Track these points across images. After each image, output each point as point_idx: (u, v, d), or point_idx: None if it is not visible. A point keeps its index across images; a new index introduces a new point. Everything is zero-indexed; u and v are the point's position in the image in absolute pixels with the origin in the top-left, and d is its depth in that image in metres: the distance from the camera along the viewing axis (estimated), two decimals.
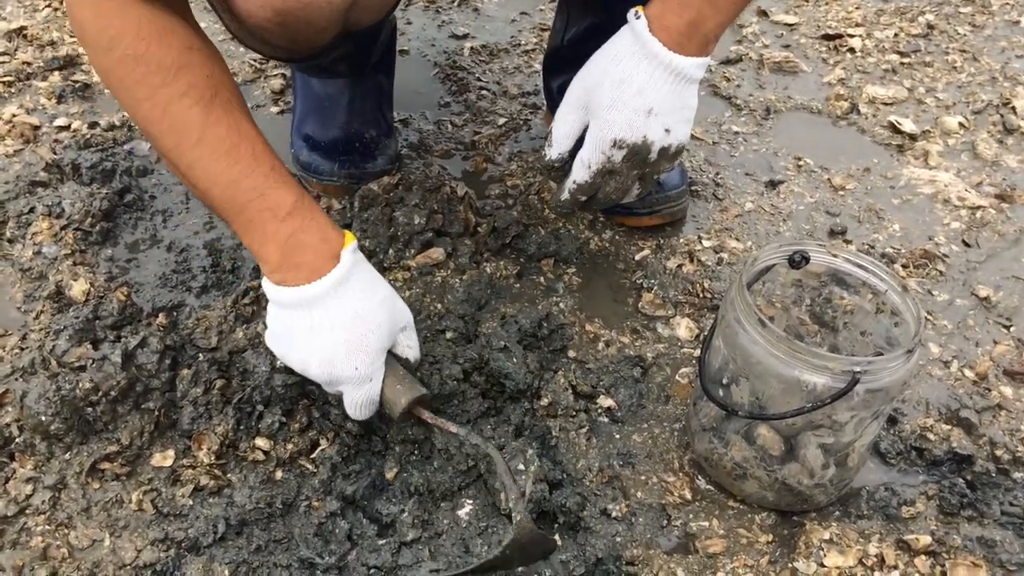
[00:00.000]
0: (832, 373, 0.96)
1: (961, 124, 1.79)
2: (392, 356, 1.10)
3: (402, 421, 1.10)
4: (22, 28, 1.89)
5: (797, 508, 1.11)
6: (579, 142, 1.21)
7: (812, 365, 0.96)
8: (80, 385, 1.10)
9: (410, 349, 1.13)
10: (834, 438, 1.03)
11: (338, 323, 1.04)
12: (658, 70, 1.12)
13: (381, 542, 1.08)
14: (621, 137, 1.15)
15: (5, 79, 1.75)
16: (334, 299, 1.04)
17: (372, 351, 1.05)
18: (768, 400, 1.03)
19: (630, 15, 1.13)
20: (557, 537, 1.08)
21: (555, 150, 1.23)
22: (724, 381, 1.08)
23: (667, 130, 1.15)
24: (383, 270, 1.38)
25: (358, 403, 1.07)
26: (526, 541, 1.00)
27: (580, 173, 1.20)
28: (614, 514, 1.11)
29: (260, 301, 1.32)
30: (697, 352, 1.31)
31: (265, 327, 1.10)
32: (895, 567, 1.04)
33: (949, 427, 1.20)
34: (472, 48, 1.96)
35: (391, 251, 1.39)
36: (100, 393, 1.11)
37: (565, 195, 1.24)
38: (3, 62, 1.80)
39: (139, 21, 1.00)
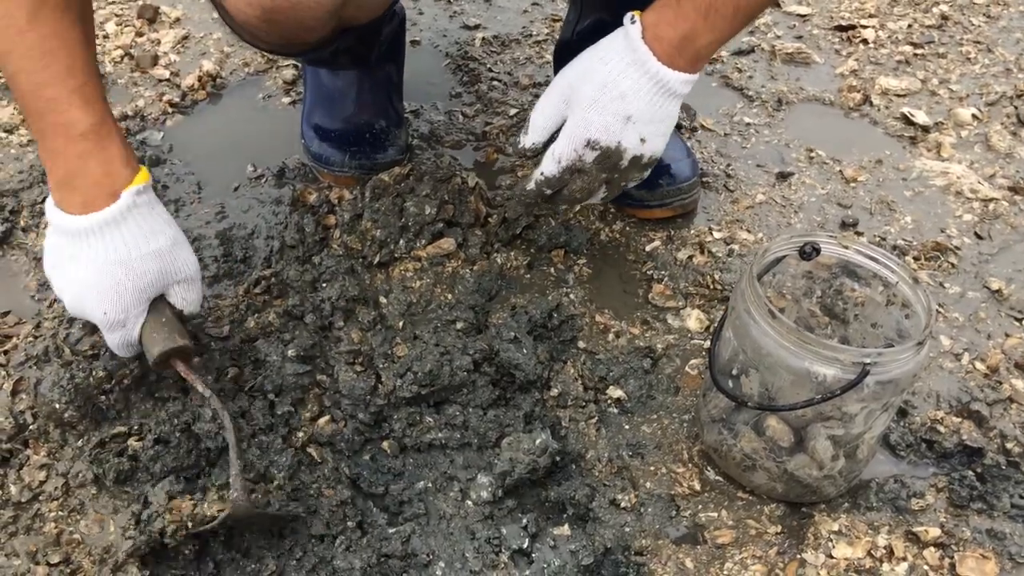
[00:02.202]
0: (842, 365, 0.96)
1: (974, 116, 1.78)
2: (164, 302, 1.09)
3: (157, 368, 1.09)
4: None
5: (806, 500, 1.11)
6: (555, 135, 1.21)
7: (822, 356, 0.96)
8: (93, 373, 1.11)
9: (186, 302, 1.11)
10: (844, 430, 1.03)
11: (95, 264, 1.03)
12: (644, 79, 1.12)
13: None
14: (596, 138, 1.15)
15: None
16: (99, 239, 1.03)
17: (125, 298, 1.04)
18: (778, 391, 1.03)
19: (626, 18, 1.13)
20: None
21: (530, 139, 1.23)
22: (734, 372, 1.08)
23: (643, 140, 1.15)
24: (394, 260, 1.38)
25: (113, 343, 1.08)
26: (242, 515, 1.02)
27: (549, 166, 1.20)
28: (623, 504, 1.12)
29: (272, 291, 1.32)
30: (707, 343, 1.31)
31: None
32: (904, 559, 1.04)
33: (960, 420, 1.20)
34: (483, 39, 1.96)
35: (402, 241, 1.40)
36: (113, 381, 1.12)
37: (531, 185, 1.24)
38: None
39: None
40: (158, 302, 1.08)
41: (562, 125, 1.19)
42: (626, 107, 1.13)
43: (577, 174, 1.19)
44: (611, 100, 1.13)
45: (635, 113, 1.13)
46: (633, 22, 1.11)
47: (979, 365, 1.29)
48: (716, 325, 1.17)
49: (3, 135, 1.60)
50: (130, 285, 1.04)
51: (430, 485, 1.15)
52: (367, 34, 1.47)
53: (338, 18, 1.21)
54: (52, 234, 1.06)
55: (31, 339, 1.22)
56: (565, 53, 1.63)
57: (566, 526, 1.12)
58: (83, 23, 1.05)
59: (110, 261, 1.03)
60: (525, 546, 1.10)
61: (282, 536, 1.07)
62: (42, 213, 1.42)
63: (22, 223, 1.42)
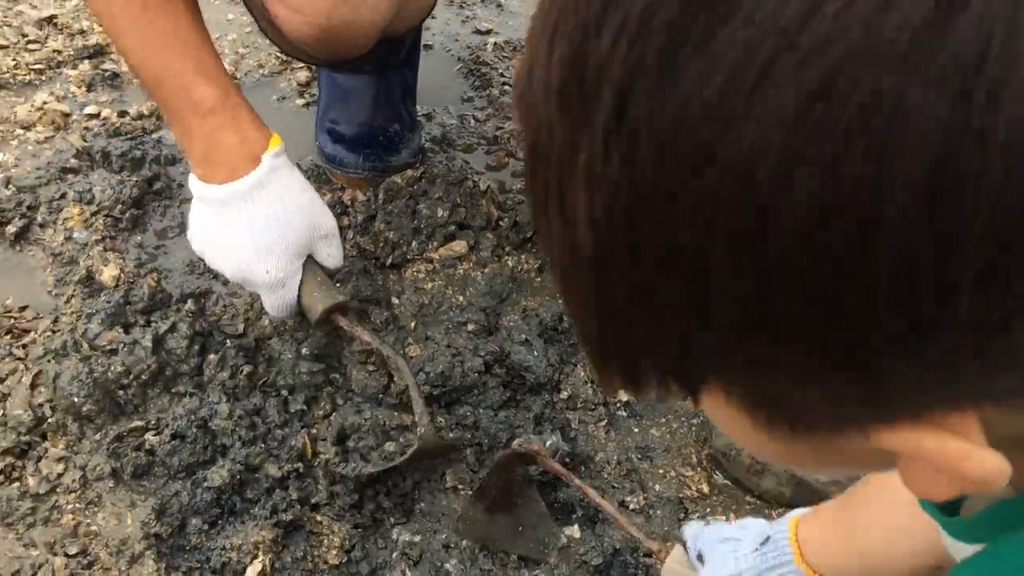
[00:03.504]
0: None
1: None
2: (313, 263, 1.12)
3: (320, 327, 1.13)
4: (52, 16, 1.92)
5: (814, 504, 1.13)
6: None
7: None
8: (112, 368, 1.13)
9: (331, 258, 1.15)
10: None
11: (250, 226, 1.06)
12: None
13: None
14: None
15: (36, 67, 1.77)
16: (249, 201, 1.06)
17: (284, 256, 1.07)
18: None
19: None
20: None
21: None
22: None
23: None
24: (406, 261, 1.40)
25: (274, 306, 1.11)
26: (430, 448, 1.09)
27: None
28: (632, 506, 1.13)
29: None
30: None
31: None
32: None
33: None
34: (495, 43, 1.97)
35: (414, 243, 1.41)
36: (131, 376, 1.14)
37: None
38: (33, 50, 1.82)
39: None
40: (307, 262, 1.11)
41: None
42: None
43: None
44: None
45: None
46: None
47: None
48: None
49: (20, 131, 1.62)
50: (284, 242, 1.07)
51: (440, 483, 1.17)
52: (396, 42, 1.49)
53: (384, 33, 1.24)
54: (199, 208, 1.09)
55: (49, 333, 1.24)
56: None
57: (575, 527, 1.13)
58: (192, 5, 1.08)
59: (263, 222, 1.06)
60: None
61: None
62: (59, 209, 1.44)
63: (39, 219, 1.44)
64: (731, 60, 0.31)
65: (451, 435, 1.16)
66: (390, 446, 1.14)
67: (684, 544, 0.93)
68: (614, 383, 0.42)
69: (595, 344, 0.42)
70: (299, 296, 1.10)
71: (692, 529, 0.93)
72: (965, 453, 0.36)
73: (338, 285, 1.18)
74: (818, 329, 0.34)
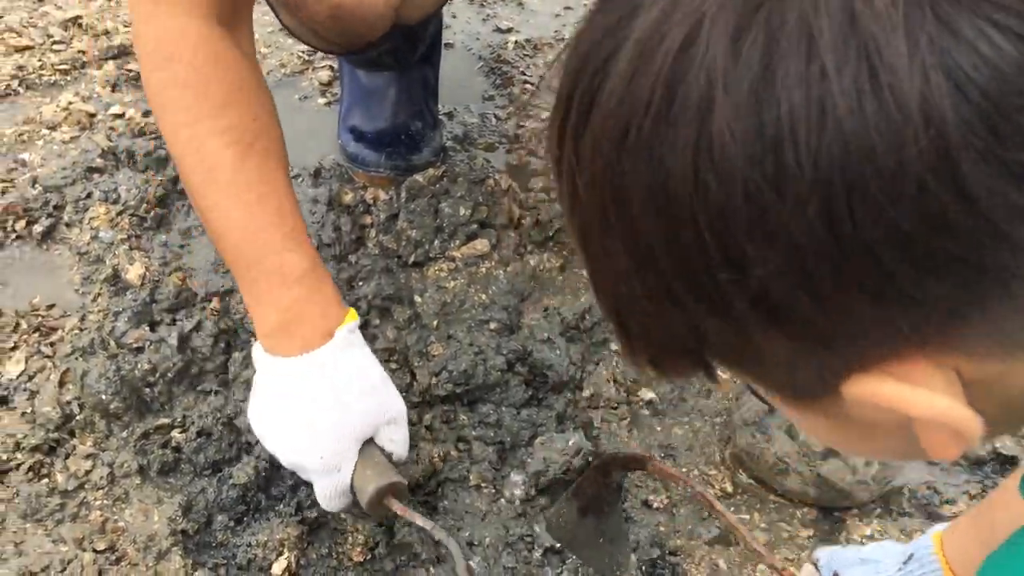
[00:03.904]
0: None
1: None
2: (374, 446, 1.00)
3: (372, 512, 0.99)
4: (77, 17, 1.93)
5: (839, 504, 1.12)
6: None
7: None
8: (139, 366, 1.14)
9: (394, 444, 1.01)
10: None
11: (312, 405, 0.95)
12: None
13: None
14: None
15: (61, 67, 1.79)
16: (315, 378, 0.96)
17: (343, 440, 0.96)
18: None
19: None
20: None
21: None
22: None
23: None
24: (429, 260, 1.40)
25: (325, 493, 0.97)
26: None
27: None
28: (655, 505, 1.13)
29: None
30: None
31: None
32: None
33: None
34: (516, 42, 1.97)
35: (436, 241, 1.42)
36: (158, 374, 1.15)
37: None
38: (59, 50, 1.84)
39: (197, 45, 0.98)
40: (366, 445, 0.99)
41: None
42: None
43: None
44: None
45: None
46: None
47: None
48: None
49: (46, 131, 1.63)
50: (347, 427, 0.96)
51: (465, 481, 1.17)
52: (412, 34, 1.50)
53: (396, 16, 1.23)
54: (263, 380, 0.99)
55: (77, 331, 1.25)
56: None
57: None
58: (285, 163, 1.03)
59: (325, 400, 0.95)
60: (559, 545, 1.11)
61: None
62: (85, 208, 1.45)
63: (66, 218, 1.45)
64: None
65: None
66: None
67: (816, 564, 0.91)
68: (640, 363, 0.48)
69: (620, 330, 0.48)
70: (352, 480, 0.97)
71: (825, 551, 0.93)
72: (923, 400, 0.40)
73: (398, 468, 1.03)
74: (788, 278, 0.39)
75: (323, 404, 0.95)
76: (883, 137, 0.35)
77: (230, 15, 1.06)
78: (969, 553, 0.82)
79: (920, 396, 0.41)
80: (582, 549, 1.08)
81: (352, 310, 1.02)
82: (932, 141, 0.34)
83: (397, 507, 0.99)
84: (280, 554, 1.05)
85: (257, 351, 0.99)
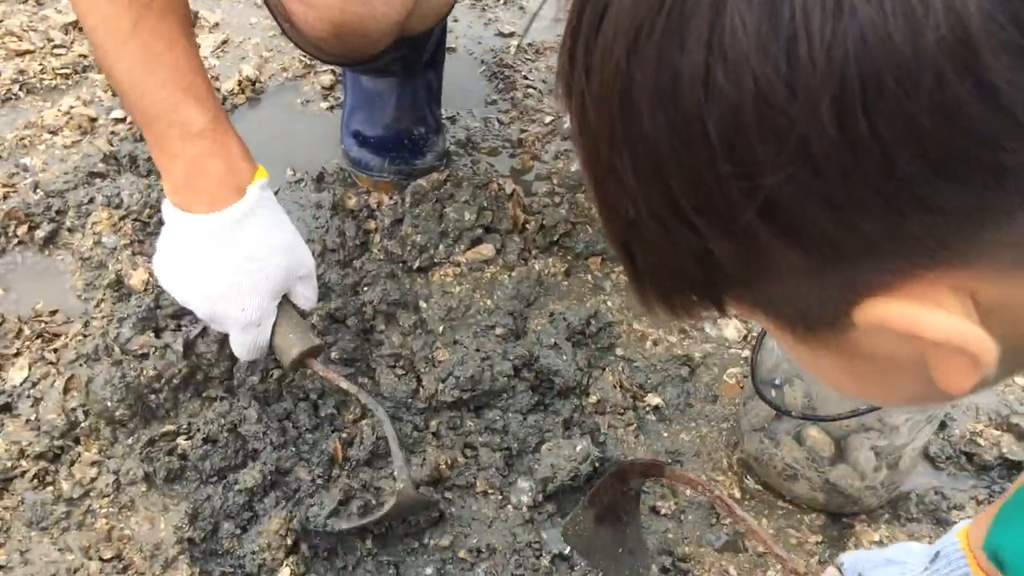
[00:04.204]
0: None
1: None
2: (287, 303, 1.06)
3: (292, 369, 1.07)
4: (77, 21, 1.93)
5: (847, 510, 1.12)
6: None
7: None
8: (144, 372, 1.13)
9: (305, 299, 1.09)
10: (887, 441, 1.04)
11: (230, 261, 1.00)
12: None
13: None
14: None
15: (62, 71, 1.78)
16: (230, 235, 1.00)
17: (263, 294, 1.02)
18: (822, 401, 1.04)
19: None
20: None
21: None
22: (777, 382, 1.09)
23: None
24: (434, 265, 1.40)
25: (245, 347, 1.04)
26: (408, 504, 1.04)
27: None
28: (663, 511, 1.13)
29: None
30: (745, 352, 1.32)
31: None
32: None
33: (999, 432, 1.20)
34: (518, 46, 1.97)
35: (441, 246, 1.41)
36: (163, 381, 1.14)
37: (575, 167, 1.26)
38: (60, 54, 1.83)
39: None
40: (282, 301, 1.05)
41: None
42: None
43: None
44: None
45: None
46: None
47: (1019, 379, 1.30)
48: (754, 335, 1.18)
49: (48, 136, 1.62)
50: (265, 281, 1.01)
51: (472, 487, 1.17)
52: (419, 42, 1.49)
53: (400, 30, 1.23)
54: (173, 237, 1.03)
55: (80, 338, 1.24)
56: None
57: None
58: (185, 21, 1.04)
59: (244, 257, 1.00)
60: (566, 551, 1.11)
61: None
62: (87, 214, 1.44)
63: (68, 223, 1.44)
64: None
65: (428, 494, 1.11)
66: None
67: (840, 568, 0.90)
68: (650, 301, 0.47)
69: (629, 263, 0.46)
70: (271, 337, 1.04)
71: (849, 555, 0.92)
72: (938, 321, 0.39)
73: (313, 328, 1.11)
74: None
75: (242, 261, 1.00)
76: (901, 25, 0.33)
77: None
78: None
79: (935, 317, 0.39)
80: (600, 558, 1.07)
81: (261, 167, 1.05)
82: (952, 29, 0.33)
83: (318, 368, 1.05)
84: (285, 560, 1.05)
85: (166, 206, 1.02)
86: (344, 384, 1.05)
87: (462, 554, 1.10)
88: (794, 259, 0.39)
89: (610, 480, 1.01)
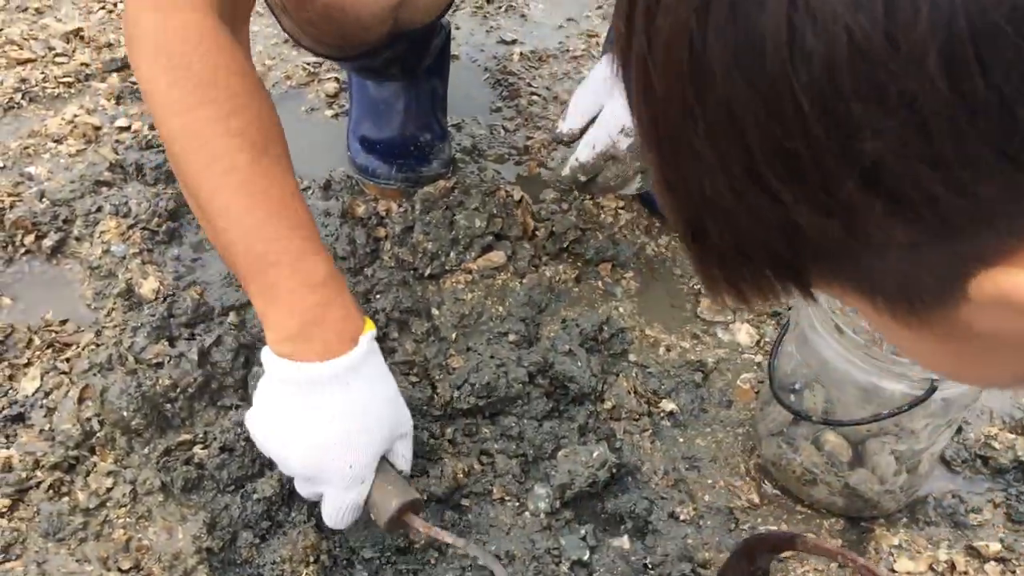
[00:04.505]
0: (911, 380, 0.97)
1: None
2: (385, 462, 0.99)
3: (390, 530, 0.97)
4: (79, 30, 1.92)
5: (865, 514, 1.12)
6: (592, 122, 1.23)
7: (891, 372, 0.98)
8: (159, 381, 1.12)
9: (404, 460, 1.01)
10: (907, 445, 1.05)
11: (341, 412, 0.93)
12: None
13: None
14: (630, 125, 1.16)
15: (64, 80, 1.77)
16: (342, 385, 0.93)
17: (371, 450, 0.94)
18: (841, 406, 1.04)
19: None
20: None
21: (567, 124, 1.25)
22: (796, 386, 1.09)
23: None
24: (445, 272, 1.40)
25: (342, 508, 0.95)
26: None
27: (584, 152, 1.22)
28: (682, 517, 1.13)
29: None
30: (758, 358, 1.32)
31: (250, 404, 0.99)
32: (966, 573, 1.05)
33: (1014, 436, 1.21)
34: (521, 53, 1.97)
35: (452, 253, 1.41)
36: (178, 390, 1.13)
37: (566, 171, 1.27)
38: (61, 63, 1.82)
39: (202, 38, 0.94)
40: (380, 461, 0.97)
41: (599, 112, 1.21)
42: None
43: (611, 161, 1.21)
44: None
45: None
46: None
47: None
48: (774, 340, 1.18)
49: (52, 145, 1.61)
50: (375, 436, 0.94)
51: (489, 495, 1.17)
52: (417, 43, 1.49)
53: (394, 19, 1.23)
54: (277, 388, 0.95)
55: (93, 347, 1.23)
56: (597, 66, 1.65)
57: (625, 538, 1.12)
58: (292, 169, 1.00)
59: (354, 408, 0.93)
60: (585, 558, 1.10)
61: None
62: (95, 222, 1.43)
63: (75, 232, 1.43)
64: None
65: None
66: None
67: None
68: (718, 288, 0.44)
69: (695, 244, 0.43)
70: (368, 495, 0.96)
71: None
72: None
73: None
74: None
75: (354, 414, 0.93)
76: None
77: (231, 15, 1.01)
78: None
79: None
80: None
81: (369, 320, 1.00)
82: None
83: (419, 524, 0.96)
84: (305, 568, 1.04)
85: (268, 356, 0.95)
86: (450, 539, 0.96)
87: (481, 561, 1.09)
88: (900, 231, 0.36)
89: (736, 560, 0.93)
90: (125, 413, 1.11)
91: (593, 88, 1.21)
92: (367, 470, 0.94)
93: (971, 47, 0.30)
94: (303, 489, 0.97)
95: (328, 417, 0.93)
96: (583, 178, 1.24)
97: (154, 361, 1.15)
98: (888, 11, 0.31)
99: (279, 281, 0.94)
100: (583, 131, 1.24)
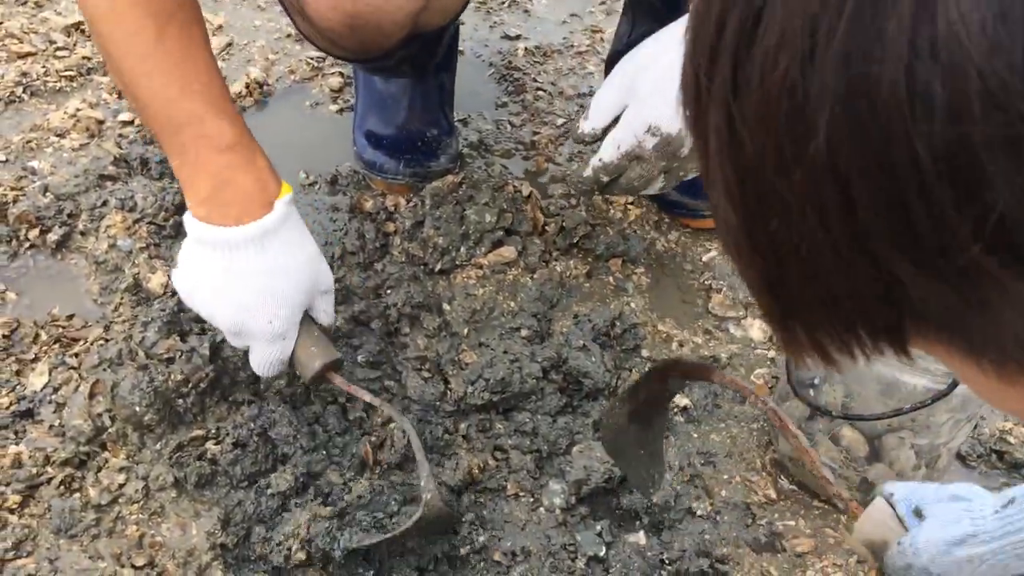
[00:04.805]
0: (933, 375, 0.97)
1: None
2: (307, 318, 1.07)
3: (313, 384, 1.07)
4: (79, 23, 1.90)
5: None
6: (616, 121, 1.21)
7: (914, 367, 0.97)
8: (171, 377, 1.11)
9: (326, 314, 1.09)
10: (926, 440, 1.04)
11: (259, 272, 1.00)
12: None
13: None
14: (657, 124, 1.15)
15: (66, 73, 1.75)
16: (259, 247, 1.00)
17: (290, 306, 1.02)
18: (861, 400, 1.04)
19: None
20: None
21: (589, 124, 1.23)
22: (814, 381, 1.08)
23: None
24: (456, 267, 1.39)
25: (267, 361, 1.04)
26: (433, 518, 1.00)
27: (608, 152, 1.20)
28: (699, 512, 1.12)
29: (336, 297, 1.32)
30: (771, 353, 1.32)
31: (175, 263, 1.05)
32: None
33: None
34: (526, 49, 1.97)
35: (463, 248, 1.40)
36: (190, 385, 1.12)
37: (588, 171, 1.24)
38: (63, 56, 1.80)
39: None
40: (303, 317, 1.05)
41: (623, 112, 1.19)
42: None
43: (636, 161, 1.19)
44: (675, 86, 1.13)
45: None
46: None
47: None
48: None
49: (55, 139, 1.60)
50: (292, 294, 1.01)
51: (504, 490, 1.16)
52: (430, 41, 1.48)
53: (414, 24, 1.22)
54: (196, 249, 1.02)
55: (102, 342, 1.22)
56: (617, 64, 1.65)
57: (641, 533, 1.12)
58: (205, 33, 1.03)
59: (273, 270, 1.00)
60: (601, 553, 1.10)
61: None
62: (101, 217, 1.42)
63: (80, 227, 1.42)
64: None
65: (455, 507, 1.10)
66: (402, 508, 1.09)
67: (888, 499, 0.85)
68: (800, 348, 0.40)
69: (776, 308, 0.40)
70: (293, 351, 1.04)
71: (896, 485, 0.86)
72: None
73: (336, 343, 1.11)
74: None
75: (272, 273, 1.00)
76: None
77: None
78: None
79: None
80: (622, 458, 1.04)
81: (286, 183, 1.05)
82: None
83: (339, 381, 1.05)
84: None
85: (189, 219, 1.01)
86: (367, 397, 1.05)
87: (497, 557, 1.09)
88: (1021, 288, 0.33)
89: (651, 375, 0.94)
90: (137, 408, 1.09)
91: (615, 86, 1.20)
92: (288, 325, 1.02)
93: None
94: (233, 342, 1.05)
95: (245, 278, 1.00)
96: (606, 178, 1.23)
97: (165, 356, 1.14)
98: None
99: (188, 143, 0.99)
100: (606, 131, 1.22)
